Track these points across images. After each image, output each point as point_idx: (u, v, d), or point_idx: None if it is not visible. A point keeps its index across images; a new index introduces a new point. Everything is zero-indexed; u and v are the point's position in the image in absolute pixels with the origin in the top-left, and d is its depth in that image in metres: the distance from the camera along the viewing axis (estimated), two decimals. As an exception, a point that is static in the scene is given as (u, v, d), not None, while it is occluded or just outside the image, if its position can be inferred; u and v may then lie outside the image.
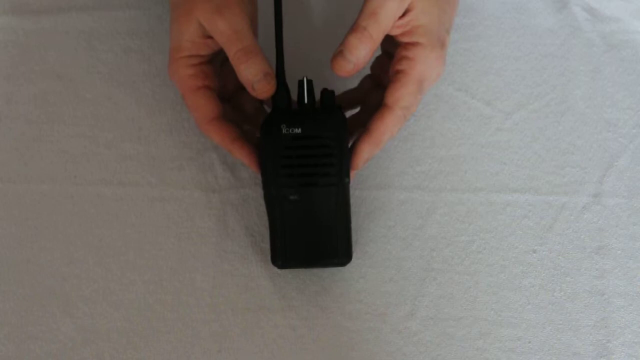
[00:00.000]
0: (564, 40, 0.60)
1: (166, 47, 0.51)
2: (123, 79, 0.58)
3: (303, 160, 0.49)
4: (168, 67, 0.51)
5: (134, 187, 0.56)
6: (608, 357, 0.52)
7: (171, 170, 0.56)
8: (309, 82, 0.50)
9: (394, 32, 0.49)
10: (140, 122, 0.57)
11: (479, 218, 0.55)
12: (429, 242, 0.55)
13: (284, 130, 0.49)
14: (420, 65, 0.49)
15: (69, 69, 0.58)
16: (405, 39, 0.49)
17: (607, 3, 0.61)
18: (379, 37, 0.48)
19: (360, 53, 0.48)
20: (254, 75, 0.48)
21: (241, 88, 0.50)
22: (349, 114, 0.54)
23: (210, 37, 0.49)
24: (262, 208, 0.53)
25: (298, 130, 0.49)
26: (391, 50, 0.51)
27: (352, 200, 0.52)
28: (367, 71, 0.55)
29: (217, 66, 0.52)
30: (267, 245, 0.53)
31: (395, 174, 0.56)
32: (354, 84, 0.55)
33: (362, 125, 0.51)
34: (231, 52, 0.48)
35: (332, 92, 0.50)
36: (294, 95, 0.50)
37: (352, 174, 0.51)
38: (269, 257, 0.52)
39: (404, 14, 0.48)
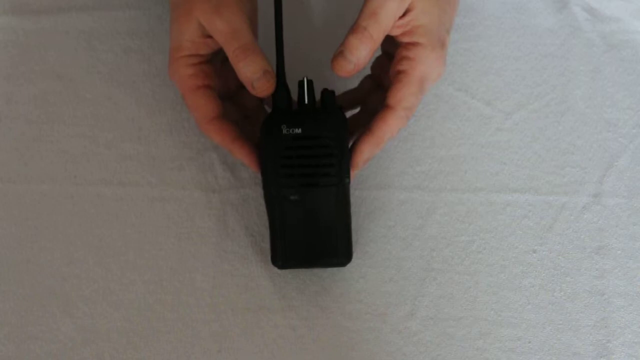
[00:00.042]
0: (564, 40, 0.60)
1: (166, 47, 0.51)
2: (123, 79, 0.58)
3: (303, 160, 0.49)
4: (168, 66, 0.51)
5: (134, 187, 0.56)
6: (608, 357, 0.52)
7: (171, 170, 0.56)
8: (309, 82, 0.50)
9: (394, 32, 0.49)
10: (140, 122, 0.57)
11: (479, 218, 0.55)
12: (429, 242, 0.55)
13: (284, 131, 0.49)
14: (421, 66, 0.49)
15: (69, 69, 0.58)
16: (405, 39, 0.49)
17: (607, 3, 0.61)
18: (379, 37, 0.48)
19: (361, 53, 0.48)
20: (253, 73, 0.48)
21: (242, 86, 0.50)
22: (349, 114, 0.54)
23: (209, 36, 0.49)
24: (262, 208, 0.53)
25: (298, 131, 0.49)
26: (391, 51, 0.51)
27: (352, 200, 0.52)
28: (368, 71, 0.55)
29: (217, 65, 0.52)
30: (267, 245, 0.53)
31: (395, 174, 0.56)
32: (354, 84, 0.55)
33: (363, 125, 0.51)
34: (230, 51, 0.48)
35: (333, 92, 0.50)
36: (294, 96, 0.50)
37: (353, 174, 0.50)
38: (269, 257, 0.52)
39: (404, 14, 0.48)
